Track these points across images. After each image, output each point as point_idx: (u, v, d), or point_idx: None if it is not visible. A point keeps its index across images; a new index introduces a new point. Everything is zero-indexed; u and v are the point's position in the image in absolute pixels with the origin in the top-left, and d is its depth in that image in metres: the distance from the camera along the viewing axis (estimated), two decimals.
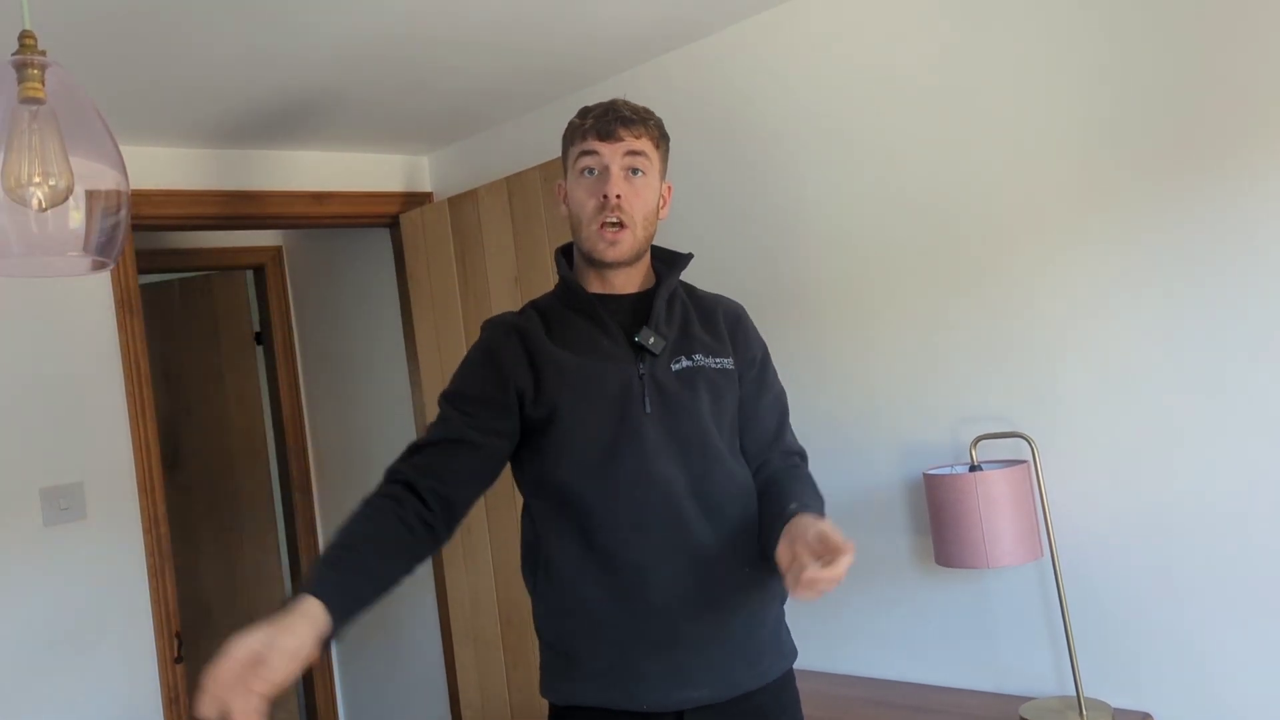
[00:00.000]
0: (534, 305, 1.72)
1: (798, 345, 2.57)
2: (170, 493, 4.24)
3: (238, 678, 1.24)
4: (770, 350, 1.79)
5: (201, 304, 4.37)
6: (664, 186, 1.69)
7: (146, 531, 2.97)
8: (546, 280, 2.96)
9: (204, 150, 3.18)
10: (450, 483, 1.56)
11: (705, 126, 2.72)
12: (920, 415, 2.37)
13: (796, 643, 1.74)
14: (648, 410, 1.59)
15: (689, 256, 1.75)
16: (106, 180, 1.38)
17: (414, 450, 1.60)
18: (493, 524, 3.20)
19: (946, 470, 2.19)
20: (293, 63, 2.50)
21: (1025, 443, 2.19)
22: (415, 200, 3.59)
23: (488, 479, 1.62)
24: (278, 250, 4.38)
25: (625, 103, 1.65)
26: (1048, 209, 2.15)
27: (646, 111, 1.67)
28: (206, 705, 1.22)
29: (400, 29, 2.37)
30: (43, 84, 1.33)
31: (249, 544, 4.33)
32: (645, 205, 1.63)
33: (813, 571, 1.31)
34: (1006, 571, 2.26)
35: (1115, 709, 2.08)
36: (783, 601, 1.69)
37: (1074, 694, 2.13)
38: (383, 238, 3.81)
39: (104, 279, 2.98)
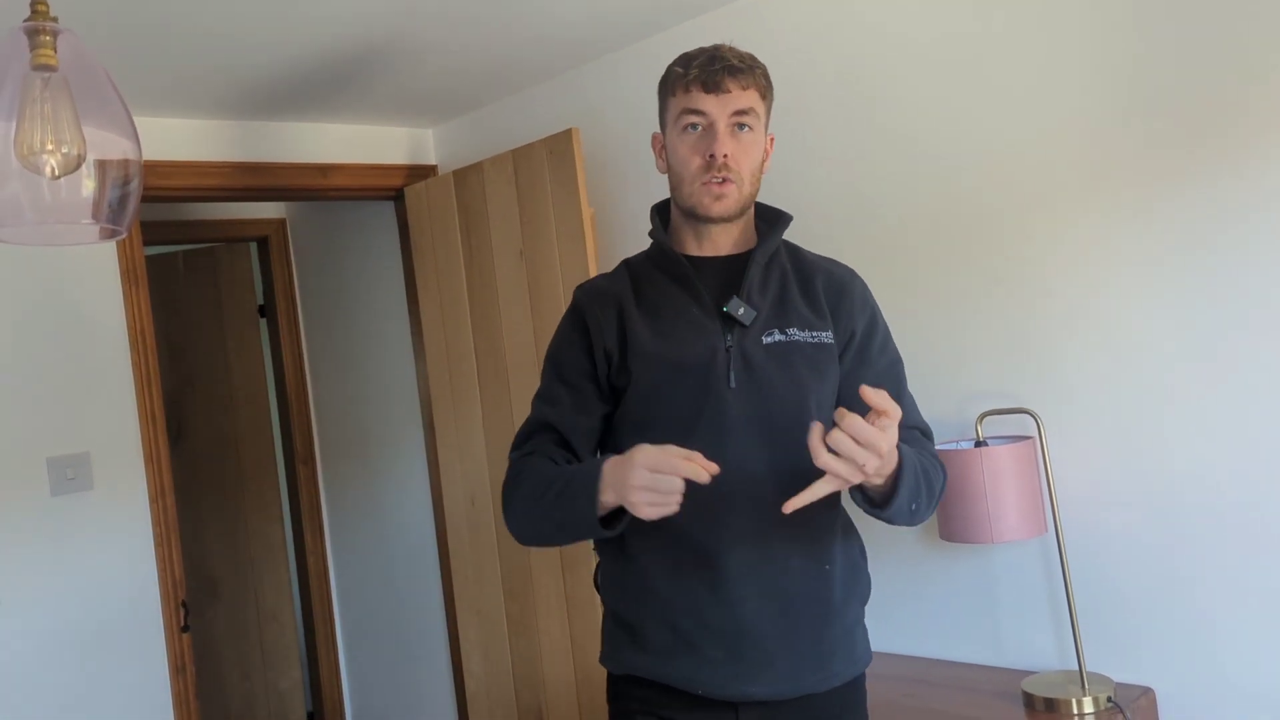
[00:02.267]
0: (627, 264, 1.66)
1: None
2: (175, 464, 4.25)
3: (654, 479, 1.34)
4: None
5: (205, 276, 4.37)
6: (768, 139, 1.60)
7: (153, 501, 2.99)
8: (552, 253, 2.95)
9: (208, 121, 3.17)
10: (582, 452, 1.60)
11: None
12: (926, 390, 2.37)
13: None
14: (732, 385, 1.50)
15: (789, 217, 1.64)
16: (118, 149, 1.38)
17: (528, 436, 1.62)
18: (497, 496, 3.21)
19: (952, 446, 2.20)
20: (298, 35, 2.49)
21: (1031, 419, 2.19)
22: (420, 173, 3.58)
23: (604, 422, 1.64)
24: (282, 222, 4.38)
25: (731, 49, 1.54)
26: (1056, 186, 2.15)
27: (753, 59, 1.55)
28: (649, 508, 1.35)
29: (406, 1, 2.36)
30: (55, 51, 1.32)
31: (253, 515, 4.35)
32: (752, 161, 1.54)
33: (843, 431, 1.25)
34: (1011, 546, 2.27)
35: (1117, 683, 2.10)
36: (863, 602, 1.61)
37: (1076, 668, 2.15)
38: (387, 210, 3.80)
39: (109, 250, 2.98)
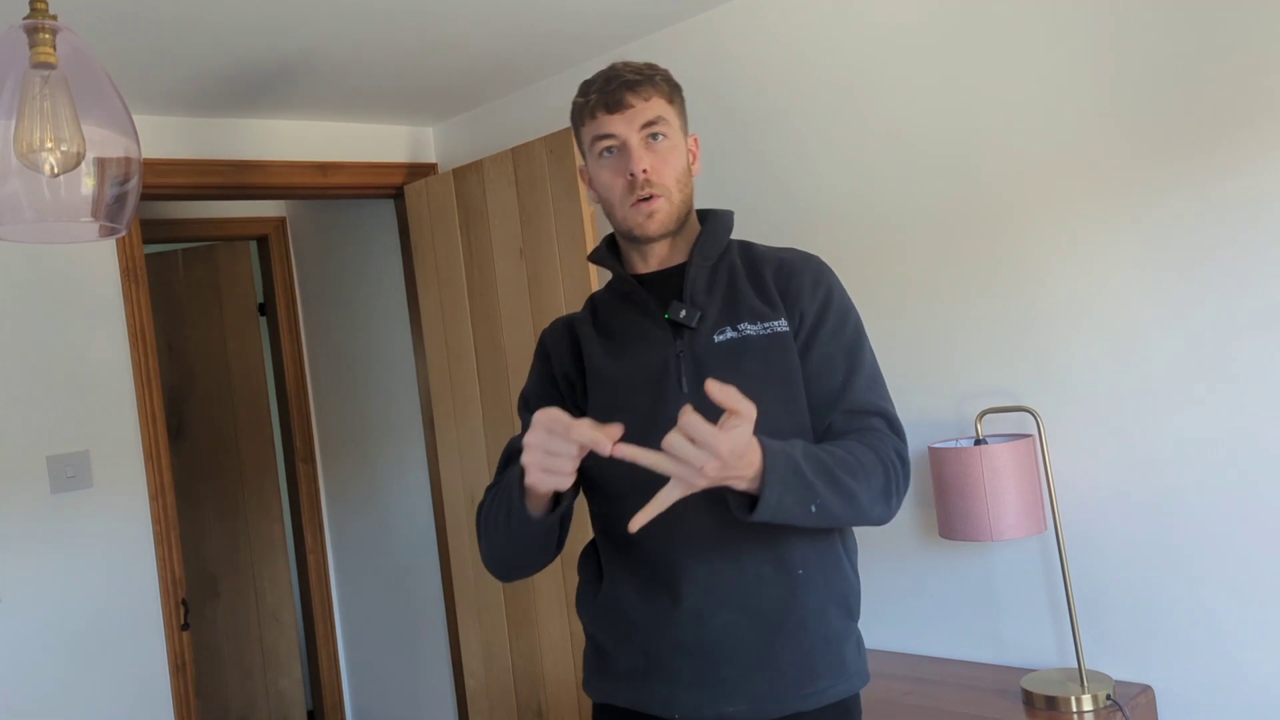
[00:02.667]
0: (592, 297, 1.65)
1: None
2: (174, 462, 4.26)
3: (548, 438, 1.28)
4: None
5: (205, 274, 4.37)
6: (689, 140, 1.57)
7: (152, 499, 2.99)
8: (551, 253, 2.95)
9: (208, 119, 3.17)
10: None
11: (715, 98, 2.71)
12: (926, 389, 2.37)
13: None
14: (684, 390, 1.46)
15: (727, 214, 1.60)
16: (118, 147, 1.38)
17: (505, 465, 1.57)
18: None
19: (952, 444, 2.20)
20: (298, 32, 2.49)
21: (1031, 417, 2.19)
22: (420, 171, 3.58)
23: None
24: (281, 221, 4.38)
25: (625, 64, 1.53)
26: (1055, 184, 2.15)
27: (650, 68, 1.53)
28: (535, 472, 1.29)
29: None
30: (54, 49, 1.32)
31: (253, 514, 4.36)
32: (675, 169, 1.51)
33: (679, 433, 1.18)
34: (1010, 544, 2.27)
35: (1117, 681, 2.10)
36: (848, 611, 1.52)
37: (1075, 666, 2.15)
38: (387, 209, 3.81)
39: (109, 248, 2.98)
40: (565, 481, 1.29)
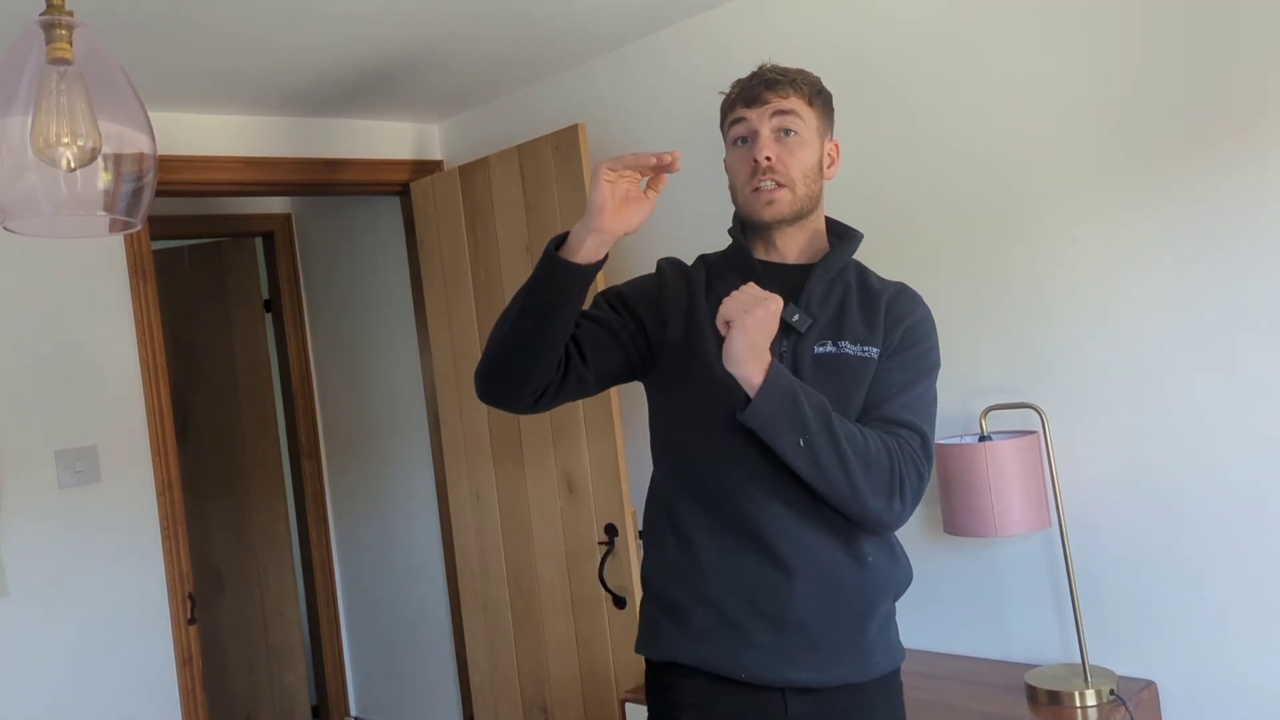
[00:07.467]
0: (704, 258, 1.73)
1: None
2: (180, 458, 4.27)
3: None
4: None
5: (211, 271, 4.38)
6: (829, 145, 1.66)
7: (160, 494, 3.00)
8: None
9: (216, 116, 3.18)
10: (585, 341, 1.62)
11: (720, 96, 2.71)
12: None
13: None
14: None
15: (859, 237, 1.69)
16: (133, 143, 1.39)
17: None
18: (501, 489, 3.23)
19: (956, 440, 2.21)
20: (306, 30, 2.50)
21: (1035, 413, 2.20)
22: (426, 168, 3.59)
23: (616, 355, 1.65)
24: (287, 217, 4.39)
25: (772, 66, 1.65)
26: (1061, 180, 2.16)
27: (797, 72, 1.64)
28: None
29: None
30: (70, 45, 1.33)
31: (258, 510, 4.37)
32: (802, 164, 1.60)
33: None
34: (1014, 540, 2.28)
35: (1120, 676, 2.11)
36: (897, 595, 1.64)
37: (1079, 661, 2.16)
38: (393, 206, 3.82)
39: (117, 244, 3.00)
40: (647, 209, 1.47)
